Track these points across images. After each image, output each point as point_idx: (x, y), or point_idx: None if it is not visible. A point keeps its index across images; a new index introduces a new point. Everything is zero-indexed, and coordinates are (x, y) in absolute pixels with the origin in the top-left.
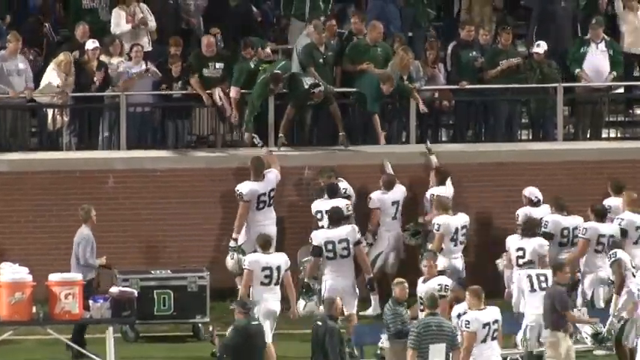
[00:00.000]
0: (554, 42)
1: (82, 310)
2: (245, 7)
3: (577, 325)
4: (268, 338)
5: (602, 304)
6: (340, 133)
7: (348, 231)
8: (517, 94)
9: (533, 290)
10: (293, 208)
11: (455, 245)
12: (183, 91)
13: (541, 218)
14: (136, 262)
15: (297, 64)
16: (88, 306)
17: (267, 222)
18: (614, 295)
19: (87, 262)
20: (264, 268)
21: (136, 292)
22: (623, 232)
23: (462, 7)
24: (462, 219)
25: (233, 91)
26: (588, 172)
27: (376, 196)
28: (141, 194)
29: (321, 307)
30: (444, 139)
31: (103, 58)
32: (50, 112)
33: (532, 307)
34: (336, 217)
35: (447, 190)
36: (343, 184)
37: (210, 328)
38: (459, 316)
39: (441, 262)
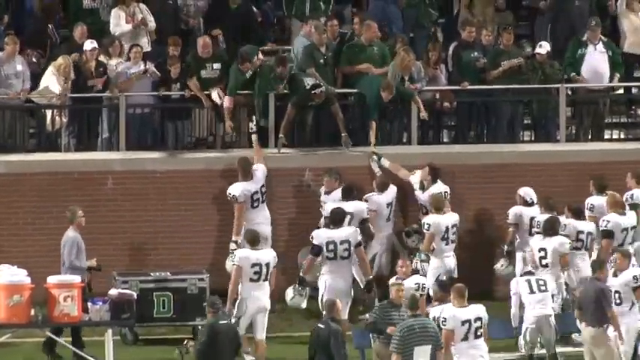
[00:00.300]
0: (567, 42)
1: (81, 312)
2: (246, 8)
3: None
4: (262, 334)
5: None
6: (342, 134)
7: (350, 232)
8: (519, 95)
9: (532, 292)
10: (293, 210)
11: (446, 244)
12: (181, 92)
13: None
14: (135, 264)
15: (295, 64)
16: (86, 308)
17: (262, 220)
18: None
19: (72, 265)
20: (253, 265)
21: (135, 294)
22: (610, 234)
23: (462, 5)
24: (452, 218)
25: (227, 101)
26: (590, 173)
27: (373, 199)
28: (140, 196)
29: (304, 304)
30: (445, 140)
31: (102, 59)
32: (49, 113)
33: (532, 309)
34: (338, 218)
35: (440, 187)
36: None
37: (185, 342)
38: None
39: (434, 262)
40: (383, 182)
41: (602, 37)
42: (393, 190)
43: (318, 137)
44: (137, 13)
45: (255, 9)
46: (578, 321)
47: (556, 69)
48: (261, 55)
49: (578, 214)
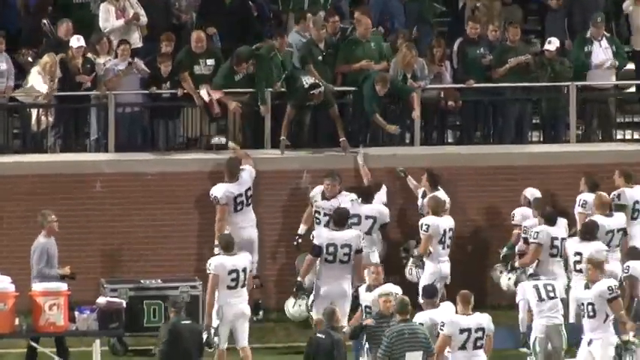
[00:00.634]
0: None
1: (68, 321)
2: (241, 1)
3: None
4: (244, 341)
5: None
6: (341, 139)
7: (352, 236)
8: (527, 94)
9: (540, 300)
10: (289, 214)
11: (443, 249)
12: (173, 90)
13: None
14: (124, 270)
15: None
16: (73, 317)
17: (246, 224)
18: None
19: (41, 273)
20: (230, 272)
21: (124, 303)
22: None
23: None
24: (449, 221)
25: (217, 94)
26: (603, 175)
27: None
28: (130, 199)
29: (312, 313)
30: (450, 140)
31: (90, 56)
32: (34, 112)
33: (541, 318)
34: (342, 219)
35: (441, 194)
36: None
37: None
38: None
39: (429, 267)
40: (377, 184)
41: (605, 33)
42: (384, 190)
43: (316, 138)
44: (128, 8)
45: (250, 2)
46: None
47: (566, 66)
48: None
49: (552, 220)
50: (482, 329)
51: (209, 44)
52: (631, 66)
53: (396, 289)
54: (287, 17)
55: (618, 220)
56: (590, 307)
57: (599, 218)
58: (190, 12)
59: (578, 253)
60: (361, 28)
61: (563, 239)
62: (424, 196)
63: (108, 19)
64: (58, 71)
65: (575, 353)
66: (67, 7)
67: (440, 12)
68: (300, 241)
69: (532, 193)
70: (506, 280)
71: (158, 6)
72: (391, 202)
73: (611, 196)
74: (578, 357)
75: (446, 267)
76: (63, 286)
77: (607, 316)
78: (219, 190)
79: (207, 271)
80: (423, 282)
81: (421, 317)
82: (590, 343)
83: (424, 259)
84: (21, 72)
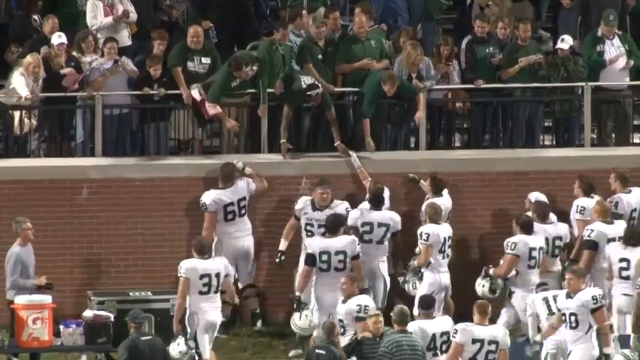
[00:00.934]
0: None
1: (52, 336)
2: None
3: None
4: (206, 353)
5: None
6: (336, 143)
7: (346, 242)
8: (539, 95)
9: (551, 313)
10: (287, 221)
11: (443, 258)
12: (155, 92)
13: None
14: (112, 281)
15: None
16: (58, 331)
17: (240, 233)
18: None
19: (15, 284)
20: (202, 276)
21: (112, 316)
22: (593, 245)
23: None
24: (448, 229)
25: (213, 109)
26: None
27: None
28: (118, 206)
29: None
30: (457, 144)
31: (74, 54)
32: (17, 114)
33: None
34: (334, 226)
35: (444, 201)
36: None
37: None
38: None
39: (428, 277)
40: (377, 187)
41: (617, 32)
42: (387, 195)
43: (315, 142)
44: (116, 4)
45: None
46: None
47: (580, 66)
48: (255, 67)
49: (528, 229)
50: (496, 342)
51: (206, 41)
52: None
53: (365, 302)
54: (285, 14)
55: (619, 228)
56: (572, 317)
57: (599, 226)
58: (181, 7)
59: (624, 259)
60: (355, 27)
61: (540, 249)
62: None
63: (96, 15)
64: (42, 72)
65: None
66: (54, 3)
67: (446, 7)
68: (282, 258)
69: (536, 197)
70: (480, 287)
71: (147, 1)
72: (396, 207)
73: (607, 201)
74: None
75: (445, 277)
76: (47, 299)
77: (590, 326)
78: (208, 197)
79: (178, 274)
80: (420, 292)
81: (410, 326)
82: (569, 354)
83: (422, 270)
84: (11, 70)
